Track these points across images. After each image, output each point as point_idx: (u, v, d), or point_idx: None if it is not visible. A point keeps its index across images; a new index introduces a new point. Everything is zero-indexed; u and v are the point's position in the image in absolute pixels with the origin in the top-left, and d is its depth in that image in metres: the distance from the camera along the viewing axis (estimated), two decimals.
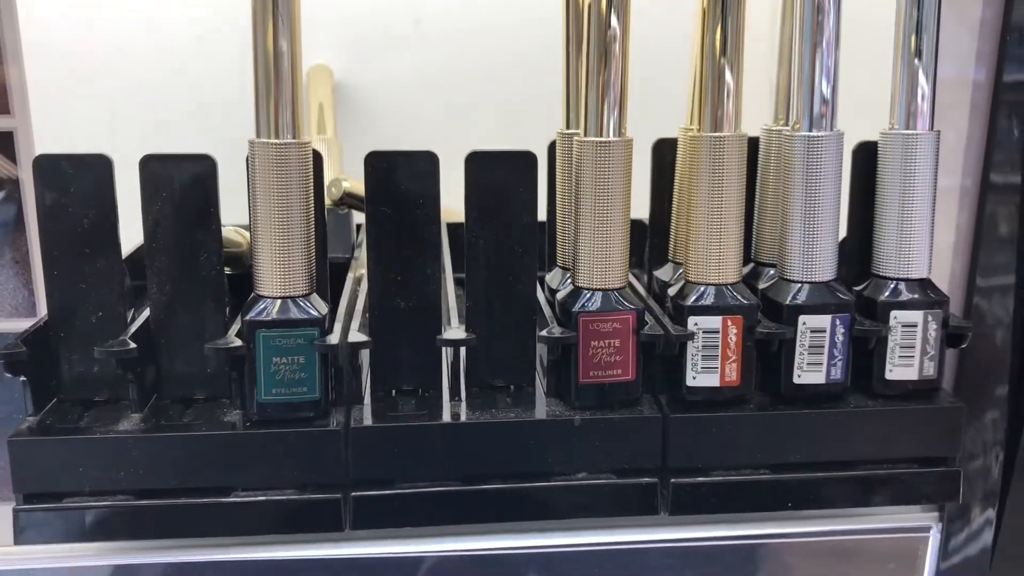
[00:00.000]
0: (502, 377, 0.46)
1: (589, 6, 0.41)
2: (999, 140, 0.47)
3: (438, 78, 0.75)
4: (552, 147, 0.50)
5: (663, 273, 0.49)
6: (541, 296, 0.49)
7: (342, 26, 0.74)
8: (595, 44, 0.41)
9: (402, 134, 0.75)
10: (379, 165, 0.43)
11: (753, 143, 0.48)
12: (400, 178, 0.43)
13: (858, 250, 0.47)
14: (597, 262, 0.42)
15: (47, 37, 0.70)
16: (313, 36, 0.73)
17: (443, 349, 0.45)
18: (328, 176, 0.65)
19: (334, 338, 0.41)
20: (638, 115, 0.44)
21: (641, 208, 0.50)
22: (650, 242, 0.50)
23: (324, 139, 0.68)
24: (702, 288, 0.43)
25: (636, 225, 0.49)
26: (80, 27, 0.71)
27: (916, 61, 0.43)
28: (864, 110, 0.48)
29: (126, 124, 0.72)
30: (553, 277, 0.50)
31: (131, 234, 0.43)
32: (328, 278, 0.45)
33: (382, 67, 0.75)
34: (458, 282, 0.48)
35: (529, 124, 0.60)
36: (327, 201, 0.62)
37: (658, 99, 0.59)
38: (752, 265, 0.49)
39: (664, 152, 0.49)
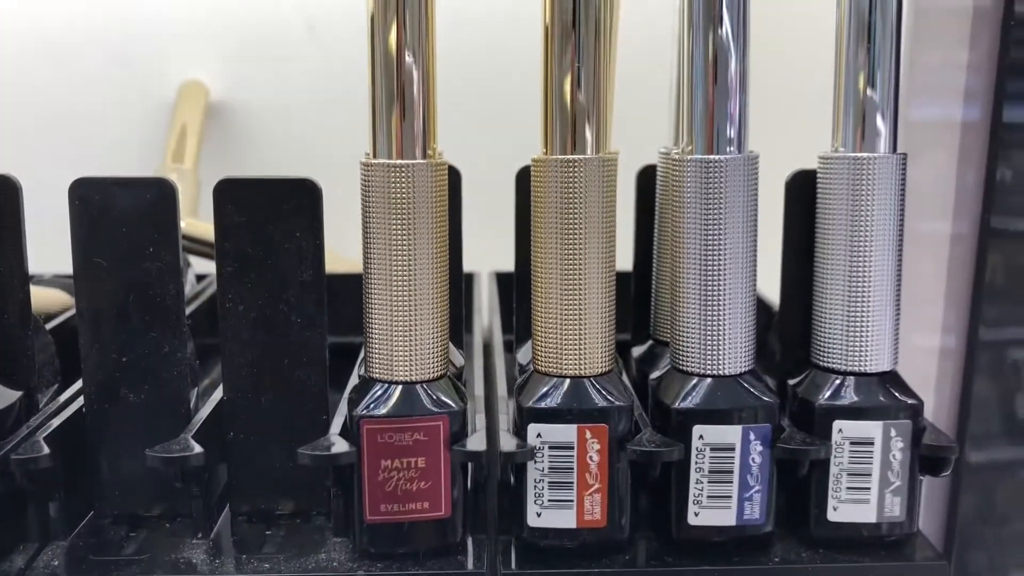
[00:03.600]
0: (281, 499, 0.32)
1: None
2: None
3: (335, 95, 0.62)
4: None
5: (525, 353, 0.35)
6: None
7: (224, 34, 0.62)
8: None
9: (288, 162, 0.62)
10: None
11: (650, 173, 0.35)
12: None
13: (794, 325, 0.32)
14: (397, 342, 0.29)
15: None
16: (187, 46, 0.61)
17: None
18: None
19: None
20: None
21: None
22: (517, 305, 0.36)
23: (178, 168, 0.56)
24: (551, 383, 0.29)
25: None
26: None
27: (870, 58, 0.29)
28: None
29: None
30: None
31: None
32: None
33: (270, 82, 0.62)
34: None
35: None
36: None
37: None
38: (649, 344, 0.35)
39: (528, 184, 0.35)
